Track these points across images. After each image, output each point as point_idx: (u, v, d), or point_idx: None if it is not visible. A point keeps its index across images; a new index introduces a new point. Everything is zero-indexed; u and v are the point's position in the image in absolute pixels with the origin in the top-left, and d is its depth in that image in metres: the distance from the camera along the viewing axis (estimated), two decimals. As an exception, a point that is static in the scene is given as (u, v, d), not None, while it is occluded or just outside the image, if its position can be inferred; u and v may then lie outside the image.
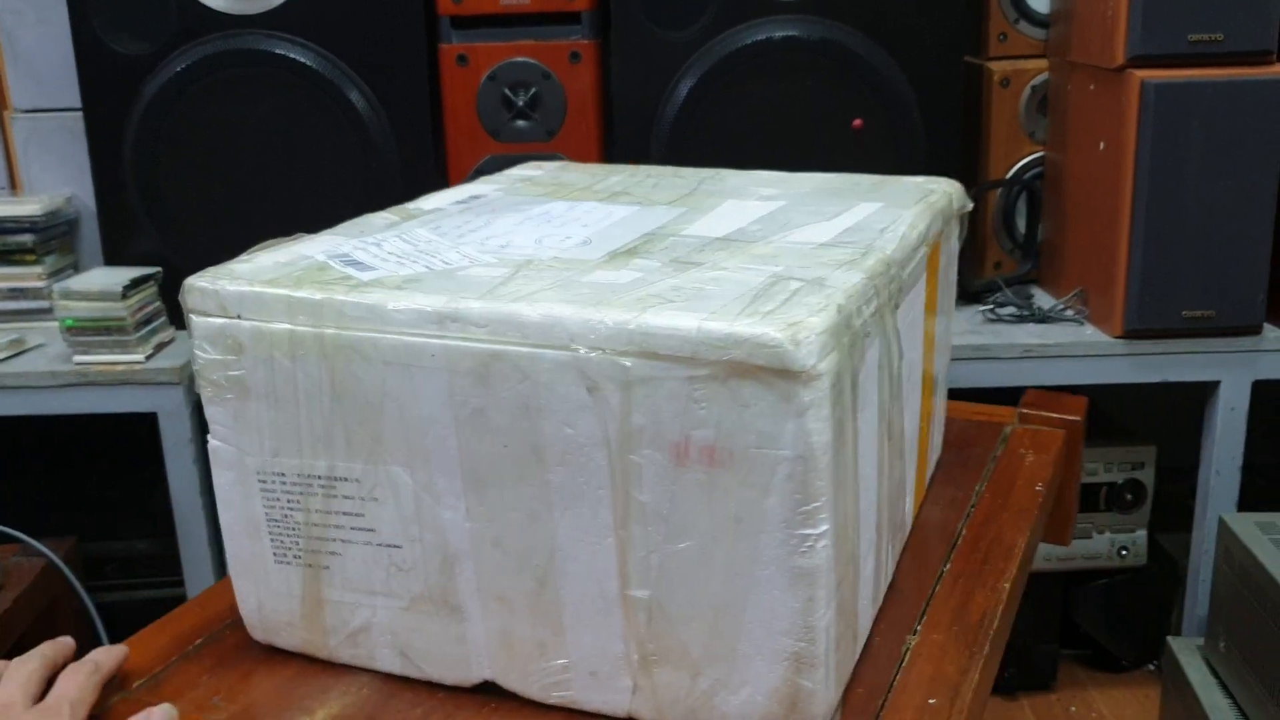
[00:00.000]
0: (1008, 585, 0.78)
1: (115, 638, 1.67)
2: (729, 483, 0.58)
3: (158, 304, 1.60)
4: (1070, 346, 1.56)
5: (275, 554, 0.68)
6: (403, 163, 1.62)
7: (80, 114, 1.62)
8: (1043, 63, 1.73)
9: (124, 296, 1.51)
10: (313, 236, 0.75)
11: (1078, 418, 1.05)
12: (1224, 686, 1.48)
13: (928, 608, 0.76)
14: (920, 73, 1.58)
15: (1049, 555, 1.73)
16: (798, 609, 0.59)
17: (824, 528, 0.58)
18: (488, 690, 0.67)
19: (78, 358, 1.53)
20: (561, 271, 0.65)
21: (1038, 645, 1.82)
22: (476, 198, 0.86)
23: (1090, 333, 1.59)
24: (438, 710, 0.66)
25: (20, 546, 1.57)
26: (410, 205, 0.84)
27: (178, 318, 1.64)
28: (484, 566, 0.64)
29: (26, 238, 1.66)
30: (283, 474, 0.66)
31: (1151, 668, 1.88)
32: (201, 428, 1.57)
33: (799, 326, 0.55)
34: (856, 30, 1.57)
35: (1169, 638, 1.62)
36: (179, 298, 0.67)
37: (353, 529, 0.66)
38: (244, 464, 0.67)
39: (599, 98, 1.65)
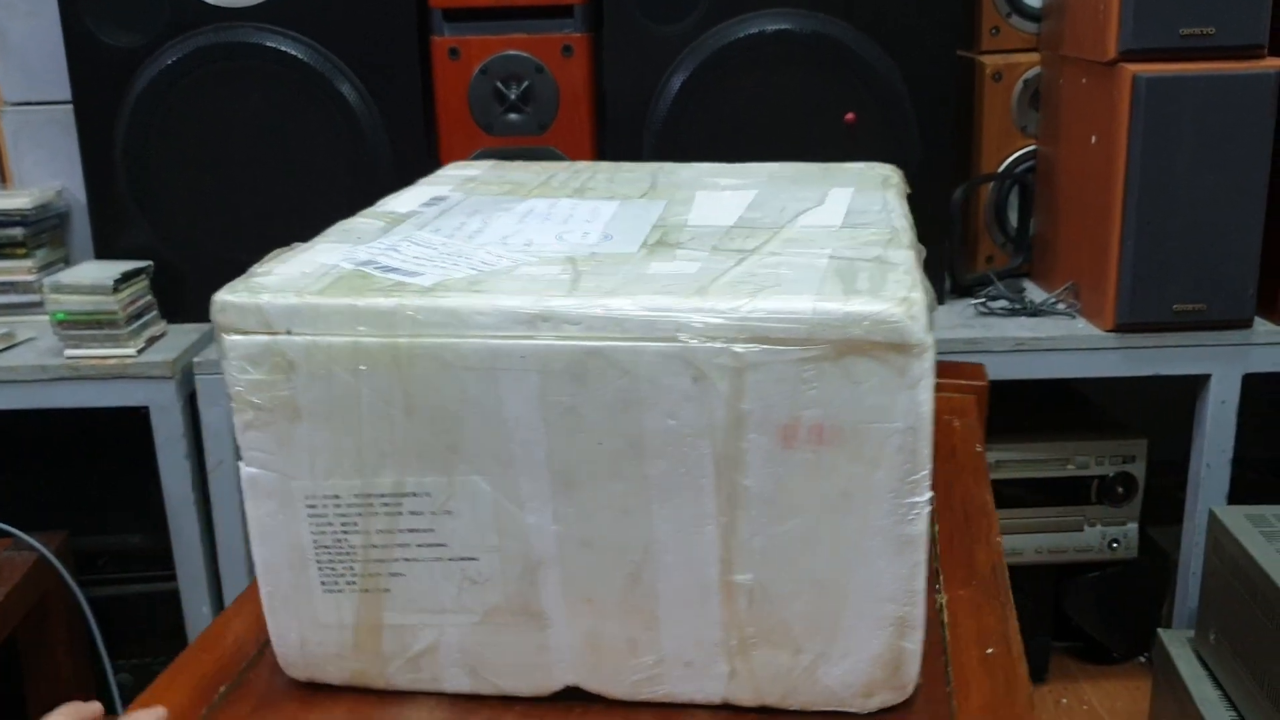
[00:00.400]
0: (999, 538, 0.80)
1: (107, 631, 1.68)
2: (837, 460, 0.59)
3: (149, 297, 1.59)
4: (1062, 340, 1.56)
5: (324, 583, 0.64)
6: (395, 156, 1.62)
7: (71, 107, 1.62)
8: (1035, 56, 1.73)
9: (115, 290, 1.51)
10: (309, 245, 0.71)
11: (983, 383, 1.07)
12: (1214, 678, 1.48)
13: (939, 569, 0.77)
14: (913, 67, 1.58)
15: (1040, 548, 1.73)
16: (903, 575, 0.61)
17: (927, 494, 0.60)
18: (569, 696, 0.65)
19: (69, 352, 1.53)
20: (618, 265, 0.64)
21: (1029, 638, 1.81)
22: (440, 199, 0.83)
23: (1082, 326, 1.59)
24: None
25: (12, 541, 1.57)
26: (380, 209, 0.80)
27: (169, 311, 1.63)
28: (571, 569, 0.62)
29: (17, 231, 1.65)
30: (337, 496, 0.62)
31: (1142, 660, 1.88)
32: (194, 422, 1.57)
33: (909, 302, 0.57)
34: (849, 24, 1.57)
35: (1160, 630, 1.63)
36: (211, 316, 0.61)
37: (420, 546, 0.63)
38: (289, 490, 0.62)
39: (591, 91, 1.64)
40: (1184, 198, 1.48)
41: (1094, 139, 1.55)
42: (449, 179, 0.91)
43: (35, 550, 1.57)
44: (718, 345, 0.57)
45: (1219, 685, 1.47)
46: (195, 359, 1.55)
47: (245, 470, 0.63)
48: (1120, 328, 1.54)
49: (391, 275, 0.63)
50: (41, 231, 1.70)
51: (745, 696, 0.65)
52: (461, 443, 0.60)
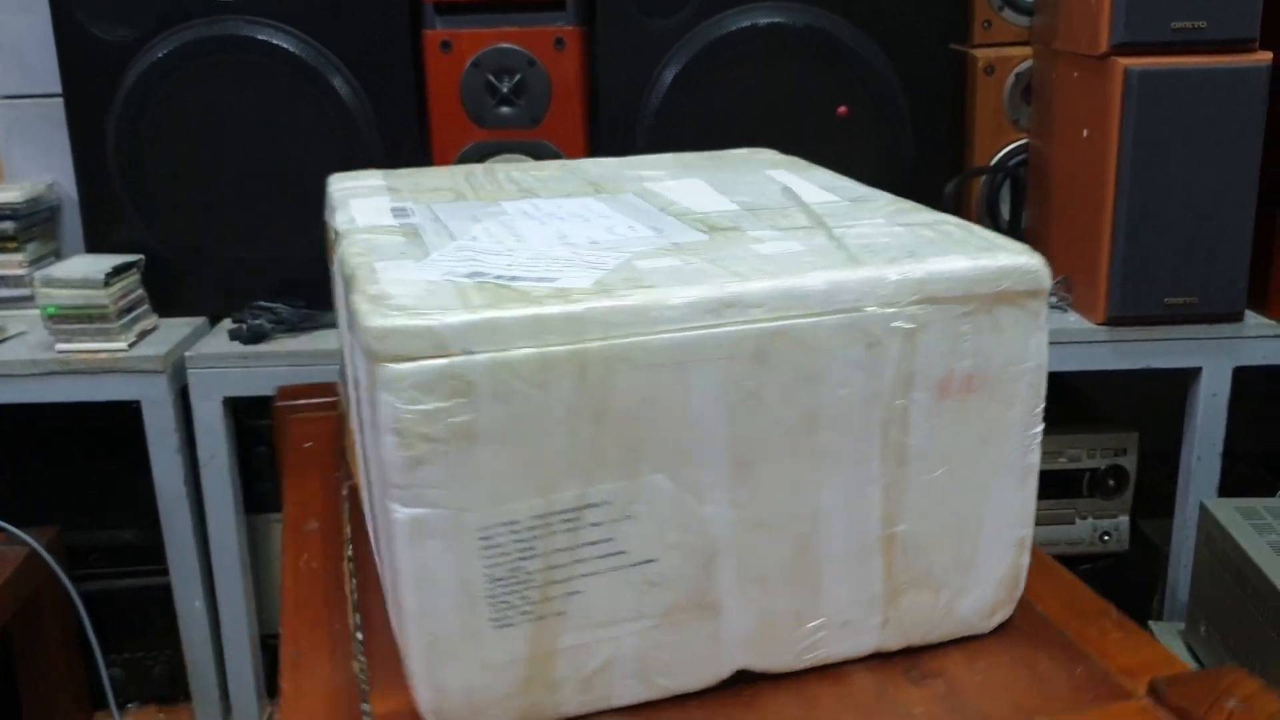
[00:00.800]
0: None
1: (99, 625, 1.67)
2: (981, 404, 0.65)
3: (140, 291, 1.59)
4: (1053, 333, 1.56)
5: (494, 619, 0.59)
6: (387, 150, 1.61)
7: (61, 100, 1.61)
8: (1027, 50, 1.74)
9: (106, 284, 1.50)
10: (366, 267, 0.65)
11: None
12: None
13: None
14: (906, 60, 1.58)
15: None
16: (1024, 499, 0.69)
17: (1042, 423, 0.68)
18: (736, 680, 0.65)
19: (60, 346, 1.53)
20: (723, 249, 0.65)
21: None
22: (404, 210, 0.78)
23: (1073, 320, 1.59)
24: (707, 713, 0.63)
25: (3, 536, 1.57)
26: (363, 222, 0.74)
27: (161, 305, 1.63)
28: (745, 552, 0.63)
29: (8, 225, 1.65)
30: (514, 521, 0.58)
31: (1133, 652, 1.89)
32: (185, 417, 1.57)
33: (1035, 252, 0.64)
34: (842, 17, 1.57)
35: (1151, 622, 1.64)
36: (371, 344, 0.55)
37: (599, 558, 0.60)
38: (459, 525, 0.57)
39: (584, 84, 1.64)
40: (1175, 191, 1.49)
41: (1086, 133, 1.55)
42: (372, 188, 0.86)
43: (27, 545, 1.57)
44: (892, 310, 0.61)
45: (1209, 677, 1.47)
46: (187, 353, 1.55)
47: (403, 513, 0.56)
48: (1111, 321, 1.55)
49: (526, 284, 0.59)
50: (32, 225, 1.70)
51: (893, 642, 0.68)
52: (645, 443, 0.59)
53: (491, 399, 0.55)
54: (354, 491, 0.89)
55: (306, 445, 0.99)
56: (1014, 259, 0.64)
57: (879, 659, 0.68)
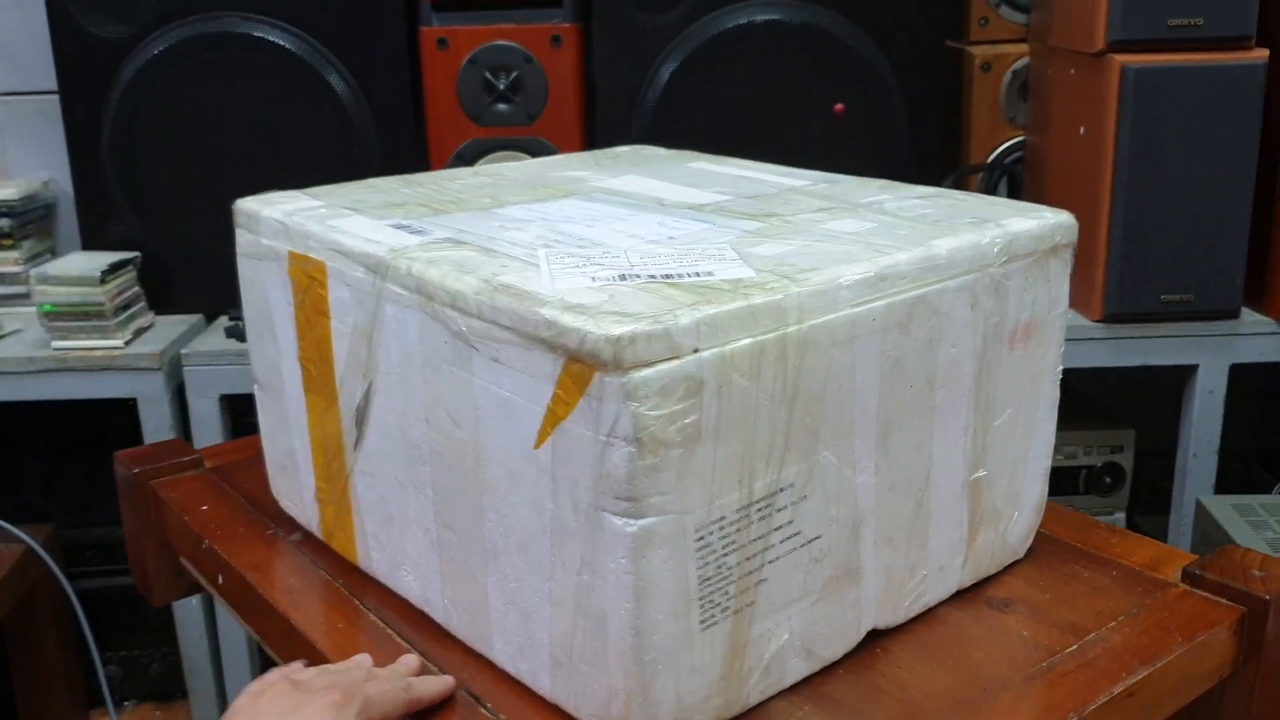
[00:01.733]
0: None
1: (95, 623, 1.67)
2: (1033, 349, 0.72)
3: (136, 289, 1.59)
4: (1050, 331, 1.57)
5: (702, 621, 0.58)
6: (383, 147, 1.61)
7: (57, 97, 1.61)
8: (1024, 47, 1.73)
9: (102, 281, 1.50)
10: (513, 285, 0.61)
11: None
12: (1201, 667, 1.49)
13: None
14: (902, 57, 1.58)
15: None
16: (1051, 431, 0.76)
17: (1061, 362, 0.75)
18: (864, 643, 0.68)
19: (56, 343, 1.52)
20: (805, 232, 0.68)
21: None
22: (414, 226, 0.73)
23: (1070, 317, 1.59)
24: (856, 677, 0.66)
25: (-1, 533, 1.57)
26: (383, 243, 0.69)
27: (157, 302, 1.63)
28: (882, 516, 0.66)
29: (3, 222, 1.64)
30: (722, 518, 0.57)
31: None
32: (182, 413, 1.57)
33: (1057, 209, 0.72)
34: (838, 15, 1.57)
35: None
36: (607, 353, 0.52)
37: (782, 542, 0.60)
38: (683, 529, 0.55)
39: (580, 82, 1.64)
40: (1172, 189, 1.49)
41: (1082, 130, 1.55)
42: (320, 209, 0.79)
43: (23, 542, 1.57)
44: (991, 271, 0.66)
45: (1206, 674, 1.48)
46: (183, 350, 1.55)
47: (635, 526, 0.54)
48: (1108, 318, 1.55)
49: (687, 281, 0.58)
50: (28, 222, 1.70)
51: (968, 579, 0.73)
52: (821, 422, 0.60)
53: (714, 395, 0.54)
54: (313, 539, 0.83)
55: (203, 508, 0.90)
56: (1058, 216, 0.72)
57: (958, 597, 0.73)
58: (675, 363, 0.53)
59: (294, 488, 0.83)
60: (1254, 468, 1.90)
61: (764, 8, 1.56)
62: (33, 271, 1.53)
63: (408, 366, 0.66)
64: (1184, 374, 1.61)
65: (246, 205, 0.81)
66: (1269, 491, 1.70)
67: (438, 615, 0.71)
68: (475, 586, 0.65)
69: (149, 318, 1.61)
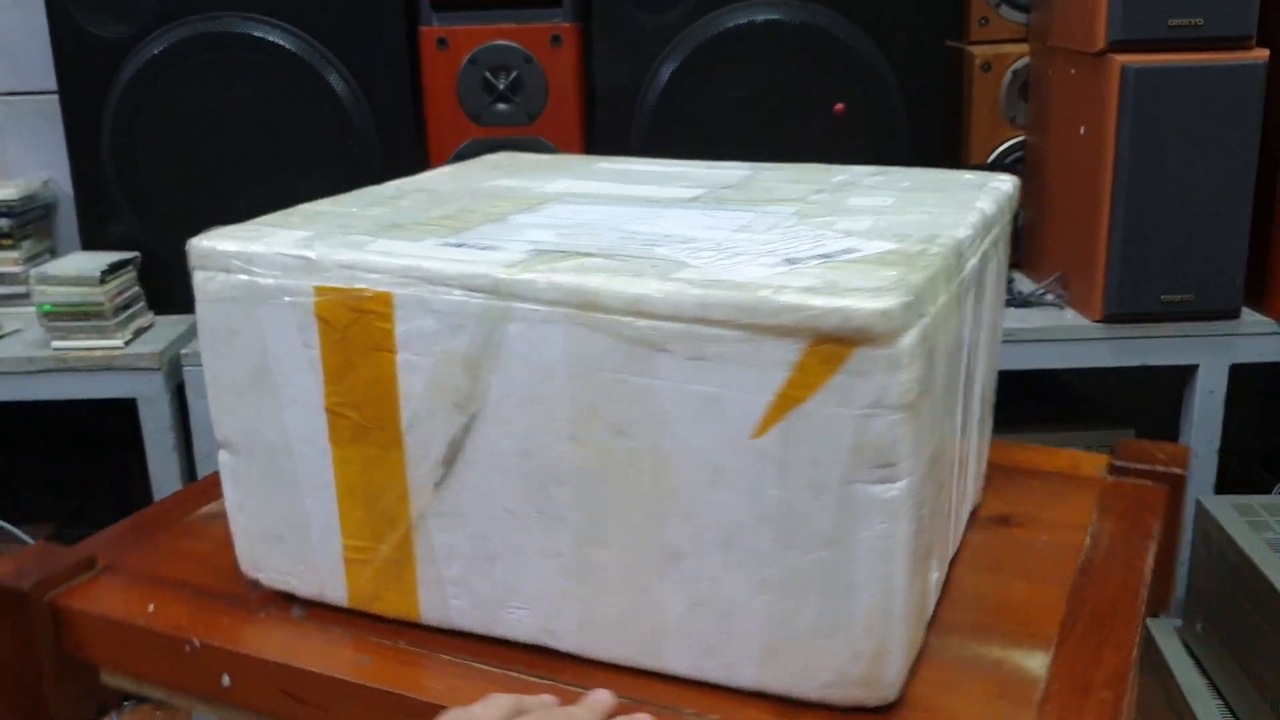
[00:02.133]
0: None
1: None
2: (998, 302, 0.83)
3: (136, 289, 1.59)
4: (1050, 330, 1.56)
5: (919, 575, 0.63)
6: (383, 147, 1.61)
7: (57, 97, 1.61)
8: (1024, 47, 1.73)
9: (102, 281, 1.50)
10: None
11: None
12: (1201, 668, 1.49)
13: None
14: (903, 57, 1.58)
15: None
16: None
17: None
18: None
19: (56, 343, 1.52)
20: (851, 211, 0.71)
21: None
22: (461, 243, 0.68)
23: (1070, 317, 1.59)
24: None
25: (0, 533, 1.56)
26: (468, 266, 0.63)
27: (157, 303, 1.63)
28: (964, 456, 0.74)
29: (3, 222, 1.64)
30: (925, 474, 0.60)
31: (1130, 649, 1.89)
32: (182, 413, 1.57)
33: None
34: (838, 15, 1.57)
35: (1147, 619, 1.63)
36: (863, 326, 0.53)
37: (937, 493, 0.67)
38: (912, 491, 0.58)
39: (580, 81, 1.64)
40: (1172, 188, 1.49)
41: (1083, 130, 1.55)
42: (359, 203, 0.78)
43: (23, 542, 1.56)
44: (997, 228, 0.76)
45: (1206, 674, 1.48)
46: (183, 350, 1.55)
47: (895, 489, 0.57)
48: (1108, 318, 1.55)
49: (842, 260, 0.60)
50: (28, 222, 1.70)
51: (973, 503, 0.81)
52: (960, 372, 0.68)
53: (930, 356, 0.58)
54: (325, 610, 0.71)
55: (150, 608, 0.74)
56: (1004, 185, 0.80)
57: (971, 521, 0.81)
58: (916, 328, 0.56)
59: (294, 559, 0.72)
60: (1254, 468, 1.90)
61: (764, 8, 1.56)
62: (32, 271, 1.53)
63: (543, 386, 0.61)
64: (1184, 374, 1.61)
65: (221, 244, 0.68)
66: (1269, 491, 1.70)
67: (566, 645, 0.66)
68: (643, 598, 0.62)
69: (149, 318, 1.61)
